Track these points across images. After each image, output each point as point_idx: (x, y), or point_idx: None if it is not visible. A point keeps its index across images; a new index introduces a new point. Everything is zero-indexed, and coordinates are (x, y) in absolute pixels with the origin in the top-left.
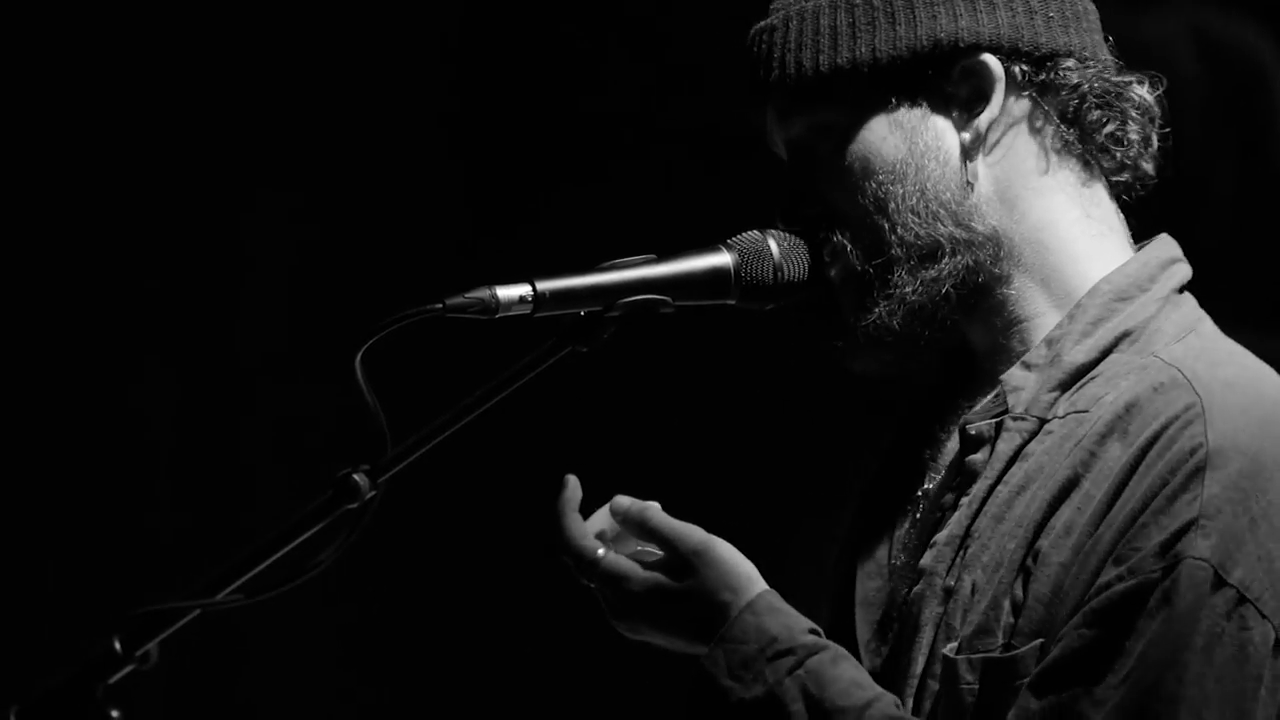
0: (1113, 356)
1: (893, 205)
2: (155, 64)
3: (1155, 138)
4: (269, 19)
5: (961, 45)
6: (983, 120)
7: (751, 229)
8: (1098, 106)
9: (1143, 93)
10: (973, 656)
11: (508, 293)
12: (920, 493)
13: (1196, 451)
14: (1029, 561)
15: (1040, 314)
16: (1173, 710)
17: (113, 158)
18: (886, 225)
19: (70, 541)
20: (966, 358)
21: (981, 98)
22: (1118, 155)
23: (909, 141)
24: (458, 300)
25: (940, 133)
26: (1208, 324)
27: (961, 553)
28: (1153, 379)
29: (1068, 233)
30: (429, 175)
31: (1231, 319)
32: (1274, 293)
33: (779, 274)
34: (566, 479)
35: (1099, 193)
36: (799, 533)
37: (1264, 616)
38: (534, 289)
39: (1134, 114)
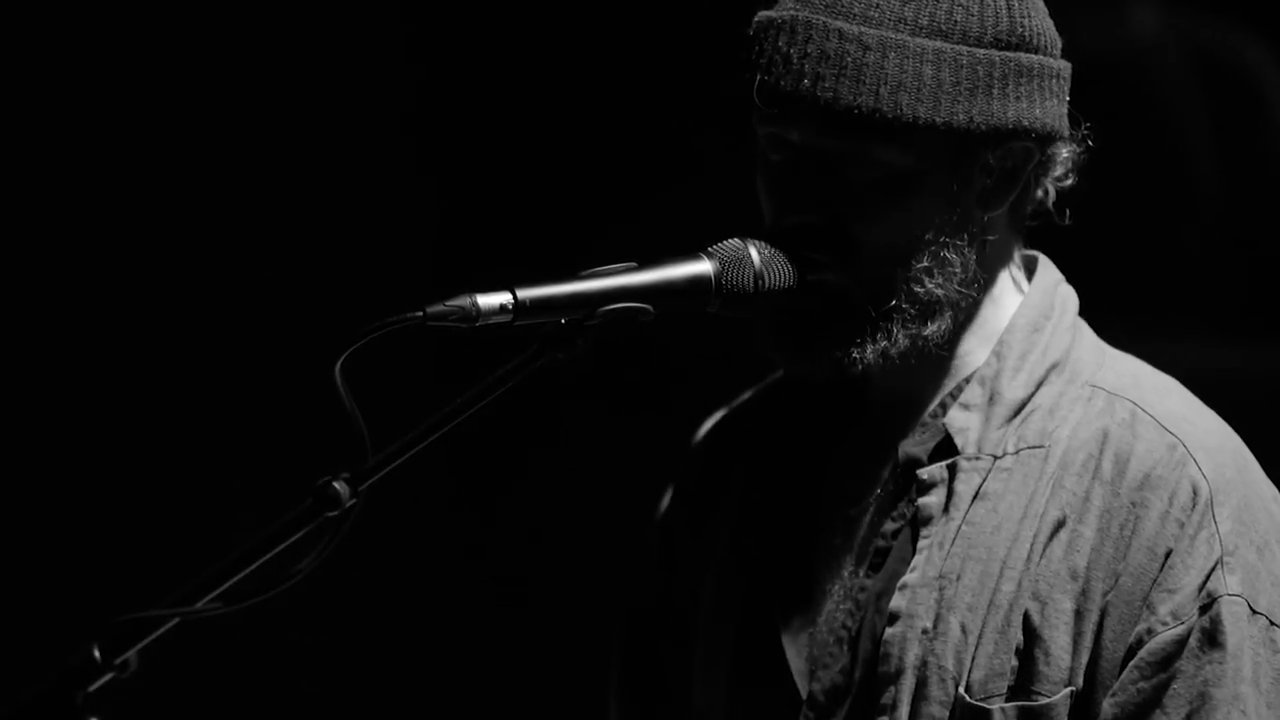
0: (1045, 389)
1: (915, 260)
2: (127, 70)
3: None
4: (238, 24)
5: (1035, 134)
6: (1009, 201)
7: (732, 236)
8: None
9: (1068, 151)
10: (1006, 705)
11: (488, 301)
12: (845, 518)
13: (1200, 491)
14: (1030, 605)
15: (969, 351)
16: None
17: (81, 165)
18: (901, 276)
19: (58, 547)
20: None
21: (1014, 179)
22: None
23: (952, 207)
24: (438, 308)
25: (972, 204)
26: (1100, 342)
27: (939, 594)
28: (1115, 414)
29: (999, 278)
30: (402, 184)
31: (1215, 328)
32: (1267, 302)
33: (760, 282)
34: None
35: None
36: None
37: None
38: (515, 297)
39: (1058, 173)
